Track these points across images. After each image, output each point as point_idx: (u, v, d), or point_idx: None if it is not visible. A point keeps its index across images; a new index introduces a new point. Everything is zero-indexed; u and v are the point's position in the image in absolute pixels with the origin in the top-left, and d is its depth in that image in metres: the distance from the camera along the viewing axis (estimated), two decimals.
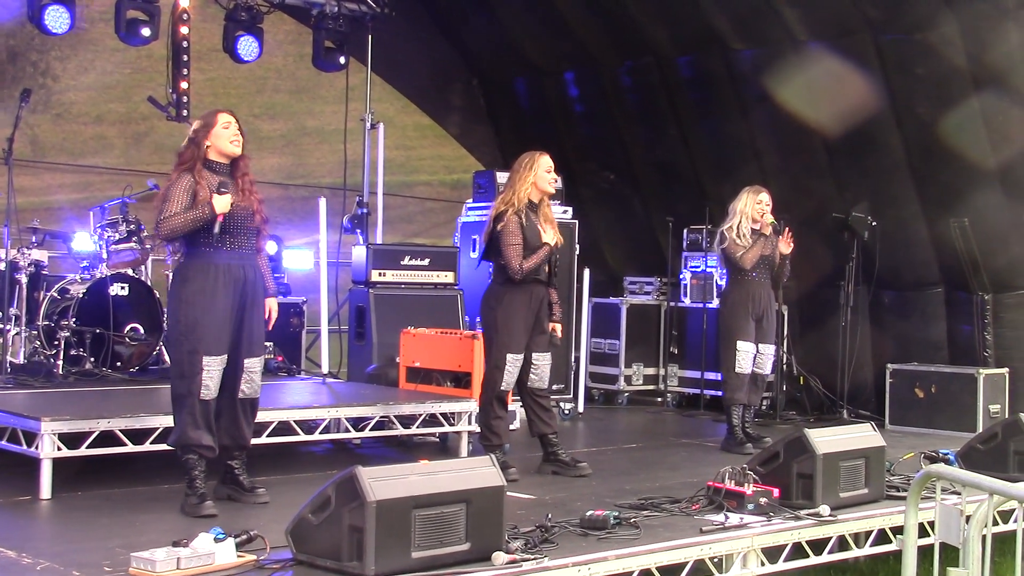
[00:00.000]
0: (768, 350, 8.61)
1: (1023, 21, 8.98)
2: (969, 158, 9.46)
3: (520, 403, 7.48)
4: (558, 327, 7.33)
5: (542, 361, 7.23)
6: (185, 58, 10.30)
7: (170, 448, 6.01)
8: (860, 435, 6.54)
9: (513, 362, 7.09)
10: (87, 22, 10.50)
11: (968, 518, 4.32)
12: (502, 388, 7.11)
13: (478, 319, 8.89)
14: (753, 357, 8.51)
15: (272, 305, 6.24)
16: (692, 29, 10.65)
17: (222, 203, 5.82)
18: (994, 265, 9.74)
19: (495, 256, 7.14)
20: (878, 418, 9.86)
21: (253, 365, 6.05)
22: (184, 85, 10.26)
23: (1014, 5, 8.94)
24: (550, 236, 7.10)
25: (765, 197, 8.58)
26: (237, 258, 5.97)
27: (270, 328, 6.20)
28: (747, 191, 8.62)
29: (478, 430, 7.56)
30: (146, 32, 10.06)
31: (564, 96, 12.34)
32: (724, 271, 8.87)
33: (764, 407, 10.49)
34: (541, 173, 7.16)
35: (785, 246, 8.58)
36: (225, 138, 5.97)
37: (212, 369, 5.85)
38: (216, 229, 5.82)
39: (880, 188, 10.13)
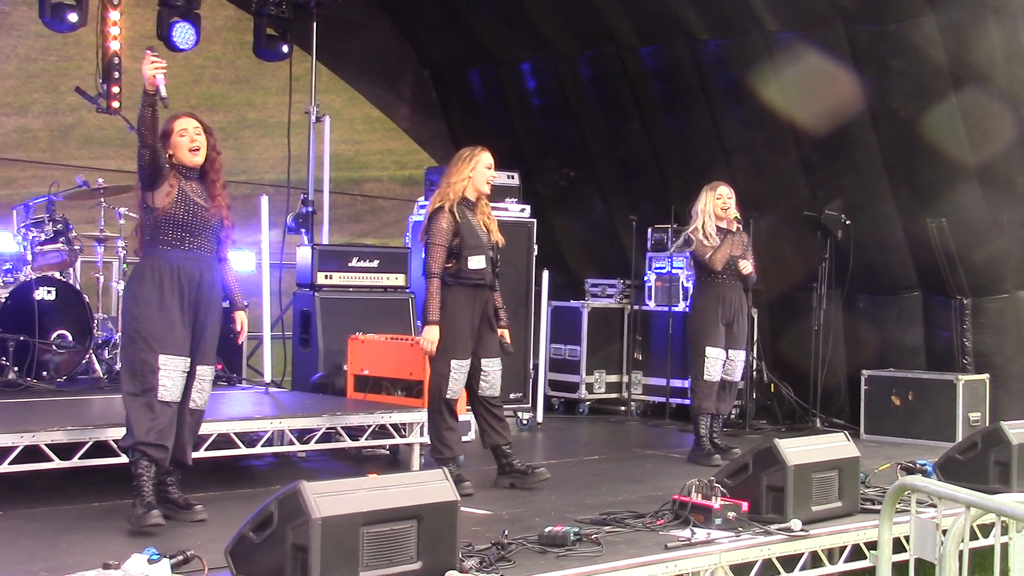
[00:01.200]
0: (738, 356, 8.66)
1: (1004, 17, 9.07)
2: (947, 155, 9.54)
3: (472, 413, 7.49)
4: (506, 333, 7.35)
5: (492, 367, 7.25)
6: (116, 46, 10.22)
7: (102, 462, 5.96)
8: (833, 445, 6.57)
9: (458, 368, 7.10)
10: (9, 5, 10.41)
11: (945, 532, 4.36)
12: (448, 396, 7.11)
13: (418, 323, 8.88)
14: (723, 364, 8.55)
15: (243, 320, 6.41)
16: (656, 17, 10.70)
17: (148, 70, 5.76)
18: (973, 267, 9.84)
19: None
20: (853, 427, 9.94)
21: (205, 373, 6.09)
22: (115, 74, 10.18)
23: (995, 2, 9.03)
24: (489, 235, 7.14)
25: (725, 191, 8.62)
26: (194, 259, 6.01)
27: (240, 342, 6.21)
28: (705, 190, 8.68)
29: (430, 442, 7.56)
30: (73, 17, 9.98)
31: (521, 88, 12.36)
32: (691, 273, 8.92)
33: (733, 416, 10.53)
34: (480, 169, 7.18)
35: (747, 266, 8.57)
36: (184, 147, 6.04)
37: (170, 369, 5.86)
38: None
39: (854, 186, 10.21)
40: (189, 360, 5.96)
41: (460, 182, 7.14)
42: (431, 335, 7.03)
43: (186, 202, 5.97)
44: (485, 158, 7.22)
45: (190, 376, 6.00)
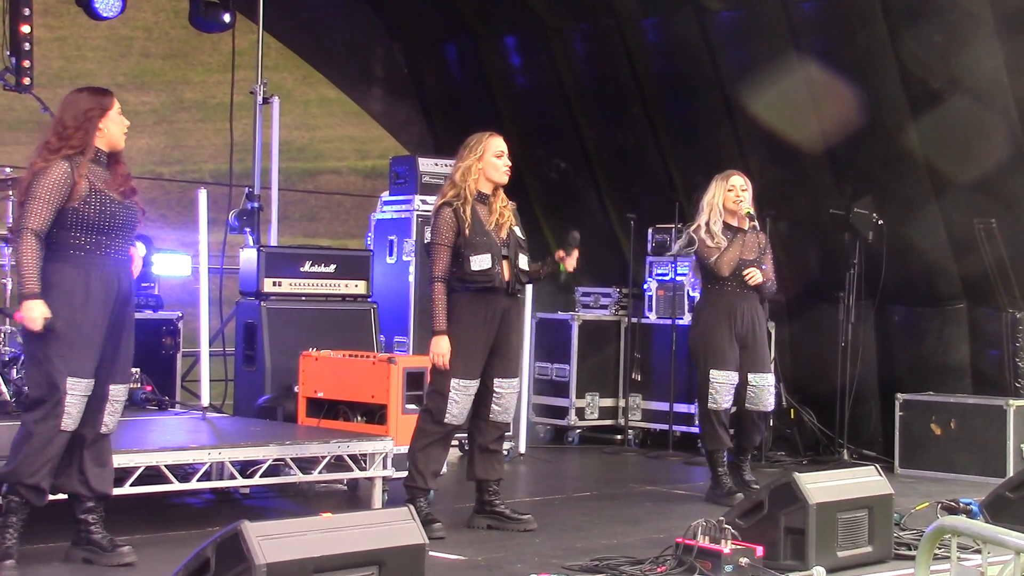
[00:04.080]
0: (763, 381, 8.50)
1: None
2: (998, 144, 9.59)
3: (468, 437, 7.48)
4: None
5: (506, 389, 7.27)
6: (27, 12, 10.19)
7: None
8: (863, 480, 6.60)
9: (461, 389, 7.11)
10: None
11: None
12: (447, 420, 7.11)
13: (396, 339, 8.87)
14: (733, 389, 8.43)
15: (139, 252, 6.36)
16: None
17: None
18: None
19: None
20: (886, 460, 9.97)
21: (120, 394, 6.13)
22: (26, 46, 10.14)
23: None
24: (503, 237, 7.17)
25: (738, 181, 8.51)
26: (112, 264, 6.06)
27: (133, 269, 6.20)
28: (716, 179, 8.58)
29: (394, 475, 7.56)
30: None
31: (504, 66, 12.37)
32: (696, 280, 8.87)
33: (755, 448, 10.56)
34: (490, 158, 7.22)
35: (755, 275, 8.42)
36: (121, 126, 6.14)
37: (76, 394, 5.89)
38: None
39: (889, 180, 10.24)
40: (93, 382, 5.98)
41: (464, 175, 7.20)
42: (439, 347, 7.08)
43: (100, 198, 5.99)
44: (494, 144, 7.27)
45: (103, 398, 6.03)
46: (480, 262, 7.12)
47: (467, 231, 7.10)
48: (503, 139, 7.35)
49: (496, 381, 7.24)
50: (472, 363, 7.14)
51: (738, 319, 8.47)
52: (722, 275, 8.41)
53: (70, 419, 5.91)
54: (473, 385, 7.15)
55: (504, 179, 7.29)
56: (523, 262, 7.29)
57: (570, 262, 7.31)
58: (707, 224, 8.45)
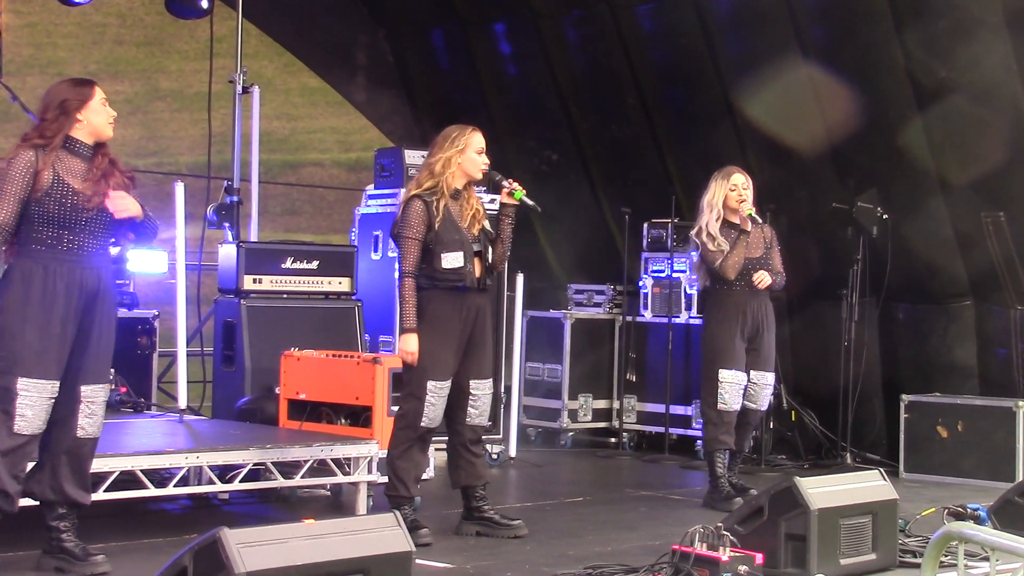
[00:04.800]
0: (765, 379, 8.62)
1: None
2: (1007, 135, 9.60)
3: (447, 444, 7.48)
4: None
5: (481, 390, 7.28)
6: None
7: None
8: (866, 485, 6.60)
9: (436, 391, 7.11)
10: None
11: None
12: (424, 424, 7.12)
13: (381, 338, 8.86)
14: (743, 389, 8.52)
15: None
16: None
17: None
18: None
19: None
20: (890, 464, 9.99)
21: (95, 395, 6.10)
22: None
23: None
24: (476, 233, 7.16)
25: (740, 179, 8.56)
26: (78, 260, 6.05)
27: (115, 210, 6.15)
28: (716, 178, 8.60)
29: (379, 480, 7.55)
30: None
31: (493, 53, 12.37)
32: (694, 278, 8.89)
33: (746, 450, 10.57)
34: (471, 154, 7.25)
35: (764, 278, 8.45)
36: (105, 116, 6.15)
37: (30, 395, 5.88)
38: None
39: (893, 172, 10.25)
40: (57, 383, 5.96)
41: (444, 167, 7.20)
42: (408, 344, 7.08)
43: (63, 190, 5.98)
44: (476, 141, 7.28)
45: (75, 399, 6.02)
46: (452, 260, 7.14)
47: (437, 226, 7.10)
48: (482, 134, 7.36)
49: (472, 383, 7.25)
50: (445, 363, 7.15)
51: (748, 319, 8.55)
52: (729, 278, 8.45)
53: (25, 421, 5.88)
54: (446, 387, 7.16)
55: (480, 176, 7.30)
56: (490, 256, 7.30)
57: (514, 188, 7.29)
58: (706, 227, 8.48)
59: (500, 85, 12.46)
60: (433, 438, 7.40)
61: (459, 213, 7.22)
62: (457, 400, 7.23)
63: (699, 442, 9.46)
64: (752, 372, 8.57)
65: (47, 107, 6.09)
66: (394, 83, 13.17)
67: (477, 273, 7.22)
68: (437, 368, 7.11)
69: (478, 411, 7.29)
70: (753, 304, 8.56)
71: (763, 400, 8.70)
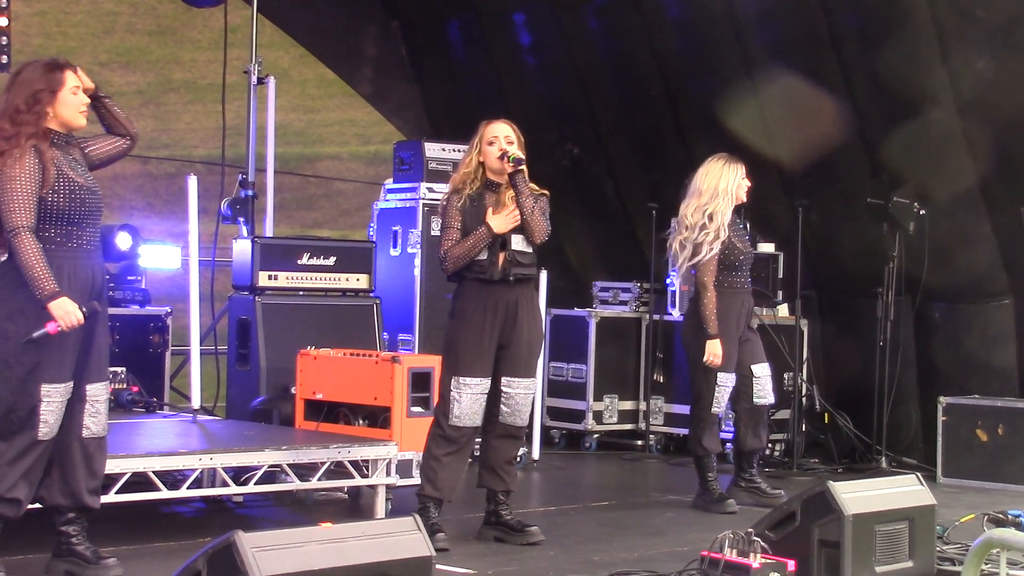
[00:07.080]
0: (766, 371, 8.72)
1: None
2: None
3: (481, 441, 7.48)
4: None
5: (516, 389, 7.27)
6: None
7: None
8: (903, 490, 6.58)
9: (461, 388, 7.12)
10: None
11: None
12: (451, 422, 7.12)
13: (400, 337, 8.87)
14: (734, 390, 8.60)
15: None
16: None
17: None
18: None
19: None
20: (927, 468, 9.94)
21: (98, 393, 6.11)
22: (3, 22, 10.14)
23: None
24: (499, 221, 7.14)
25: (743, 170, 8.70)
26: (84, 256, 6.06)
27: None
28: (722, 163, 8.62)
29: (398, 483, 7.55)
30: None
31: (512, 44, 12.36)
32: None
33: (776, 452, 10.52)
34: (484, 147, 7.28)
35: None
36: (75, 106, 6.07)
37: (53, 400, 5.90)
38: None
39: (929, 165, 10.22)
40: (72, 385, 5.98)
41: (467, 163, 7.32)
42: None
43: (69, 185, 5.97)
44: (488, 131, 7.31)
45: (81, 399, 6.04)
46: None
47: (466, 220, 7.18)
48: (508, 123, 7.33)
49: (503, 380, 7.25)
50: (475, 361, 7.15)
51: (742, 314, 8.65)
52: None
53: (47, 428, 5.91)
54: (477, 384, 7.15)
55: (498, 164, 7.25)
56: (517, 242, 7.24)
57: (508, 150, 7.19)
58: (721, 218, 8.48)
59: (518, 77, 12.45)
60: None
61: (495, 206, 7.23)
62: (493, 398, 7.25)
63: (728, 445, 9.43)
64: (753, 367, 8.66)
65: (21, 98, 5.96)
66: (406, 75, 13.15)
67: (499, 266, 7.22)
68: (463, 364, 7.13)
69: (510, 410, 7.26)
70: (749, 301, 8.73)
71: (771, 393, 8.80)
